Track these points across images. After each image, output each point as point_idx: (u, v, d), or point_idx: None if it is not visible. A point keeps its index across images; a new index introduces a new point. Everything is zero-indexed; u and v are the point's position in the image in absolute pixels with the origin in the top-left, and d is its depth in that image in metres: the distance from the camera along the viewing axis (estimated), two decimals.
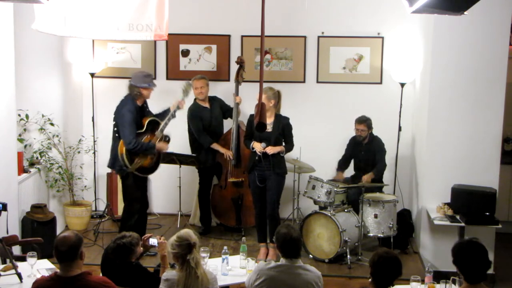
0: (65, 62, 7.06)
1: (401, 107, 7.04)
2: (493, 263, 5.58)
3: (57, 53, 6.85)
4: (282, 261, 3.99)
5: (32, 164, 6.51)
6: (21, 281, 4.23)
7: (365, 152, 6.83)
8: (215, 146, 6.83)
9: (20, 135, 6.41)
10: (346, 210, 6.42)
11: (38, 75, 6.66)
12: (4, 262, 4.64)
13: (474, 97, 6.04)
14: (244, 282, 4.35)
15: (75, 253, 3.55)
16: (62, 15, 4.71)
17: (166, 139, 6.08)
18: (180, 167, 6.95)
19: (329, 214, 6.18)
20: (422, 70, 6.73)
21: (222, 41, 7.41)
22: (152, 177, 7.60)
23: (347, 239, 6.13)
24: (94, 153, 7.31)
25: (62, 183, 6.87)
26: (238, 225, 6.93)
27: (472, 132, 6.07)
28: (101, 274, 4.22)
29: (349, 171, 7.03)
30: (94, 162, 7.37)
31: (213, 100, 6.95)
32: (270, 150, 5.93)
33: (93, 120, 7.38)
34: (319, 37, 7.31)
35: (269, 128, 5.82)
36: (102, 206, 7.47)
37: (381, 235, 6.33)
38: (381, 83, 7.32)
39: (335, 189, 6.31)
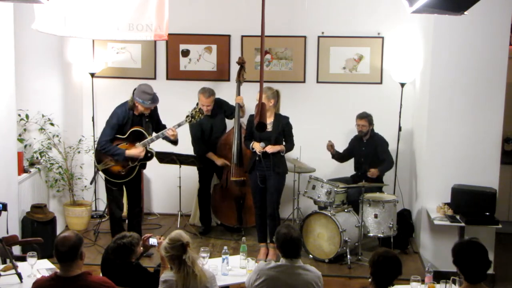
0: (65, 62, 7.05)
1: (401, 107, 7.04)
2: (493, 263, 5.58)
3: (57, 53, 6.85)
4: (282, 261, 3.99)
5: (32, 164, 6.52)
6: (21, 281, 4.24)
7: (366, 148, 6.84)
8: (211, 155, 6.85)
9: (20, 135, 6.42)
10: (346, 210, 6.42)
11: (38, 75, 6.66)
12: (4, 262, 4.64)
13: (474, 97, 6.04)
14: (244, 282, 4.35)
15: (75, 253, 3.55)
16: (62, 15, 4.71)
17: (148, 154, 6.05)
18: (180, 167, 6.95)
19: (329, 214, 6.18)
20: (422, 70, 6.72)
21: (222, 41, 7.41)
22: (152, 177, 7.67)
23: (347, 239, 6.13)
24: (94, 153, 7.30)
25: (62, 183, 6.87)
26: (239, 224, 6.93)
27: (472, 132, 6.06)
28: (101, 274, 4.22)
29: (349, 171, 7.03)
30: (94, 162, 7.35)
31: (219, 108, 6.88)
32: (270, 149, 5.93)
33: (93, 120, 7.37)
34: (319, 37, 7.30)
35: (269, 128, 5.82)
36: (102, 206, 7.46)
37: (381, 235, 6.33)
38: (381, 83, 7.32)
39: (335, 189, 6.31)
